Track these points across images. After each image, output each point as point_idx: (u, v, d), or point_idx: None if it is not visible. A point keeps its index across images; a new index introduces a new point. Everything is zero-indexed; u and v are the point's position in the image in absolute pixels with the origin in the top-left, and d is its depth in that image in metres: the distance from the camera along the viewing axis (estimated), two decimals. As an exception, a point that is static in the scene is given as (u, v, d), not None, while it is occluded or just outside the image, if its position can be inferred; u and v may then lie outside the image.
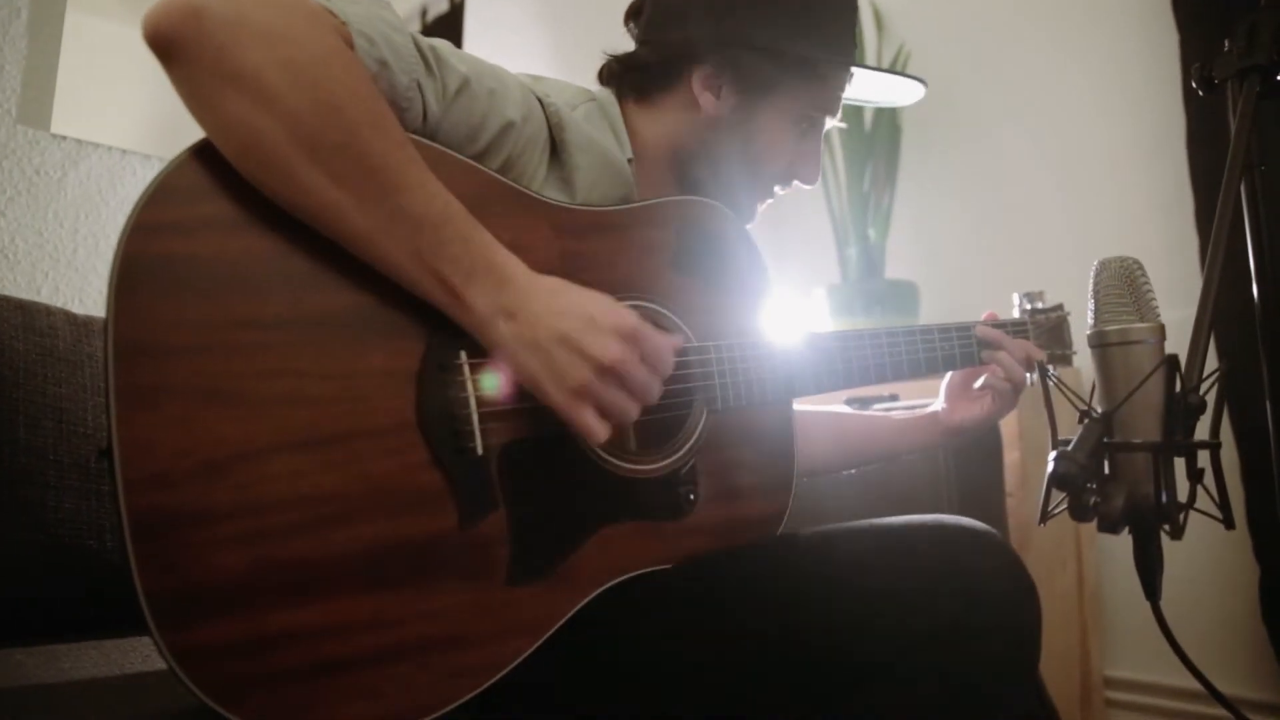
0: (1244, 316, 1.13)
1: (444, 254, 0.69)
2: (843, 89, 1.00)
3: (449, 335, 0.74)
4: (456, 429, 0.73)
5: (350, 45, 0.71)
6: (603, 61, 1.02)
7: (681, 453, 0.86)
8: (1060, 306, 1.17)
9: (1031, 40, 2.20)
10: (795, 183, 1.01)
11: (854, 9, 1.01)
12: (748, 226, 0.99)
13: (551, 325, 0.71)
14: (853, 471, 1.20)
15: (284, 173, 0.66)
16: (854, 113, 2.19)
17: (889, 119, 2.19)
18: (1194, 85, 1.11)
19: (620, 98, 0.99)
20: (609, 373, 0.71)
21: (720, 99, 0.95)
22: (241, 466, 0.66)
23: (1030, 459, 1.77)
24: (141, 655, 0.94)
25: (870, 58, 2.36)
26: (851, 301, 2.03)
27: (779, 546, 0.86)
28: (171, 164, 0.68)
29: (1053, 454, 0.71)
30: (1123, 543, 2.06)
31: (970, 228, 2.25)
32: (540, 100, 0.87)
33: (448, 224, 0.70)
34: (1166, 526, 0.73)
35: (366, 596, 0.69)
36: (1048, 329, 1.13)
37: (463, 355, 0.74)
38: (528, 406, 0.76)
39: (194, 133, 0.69)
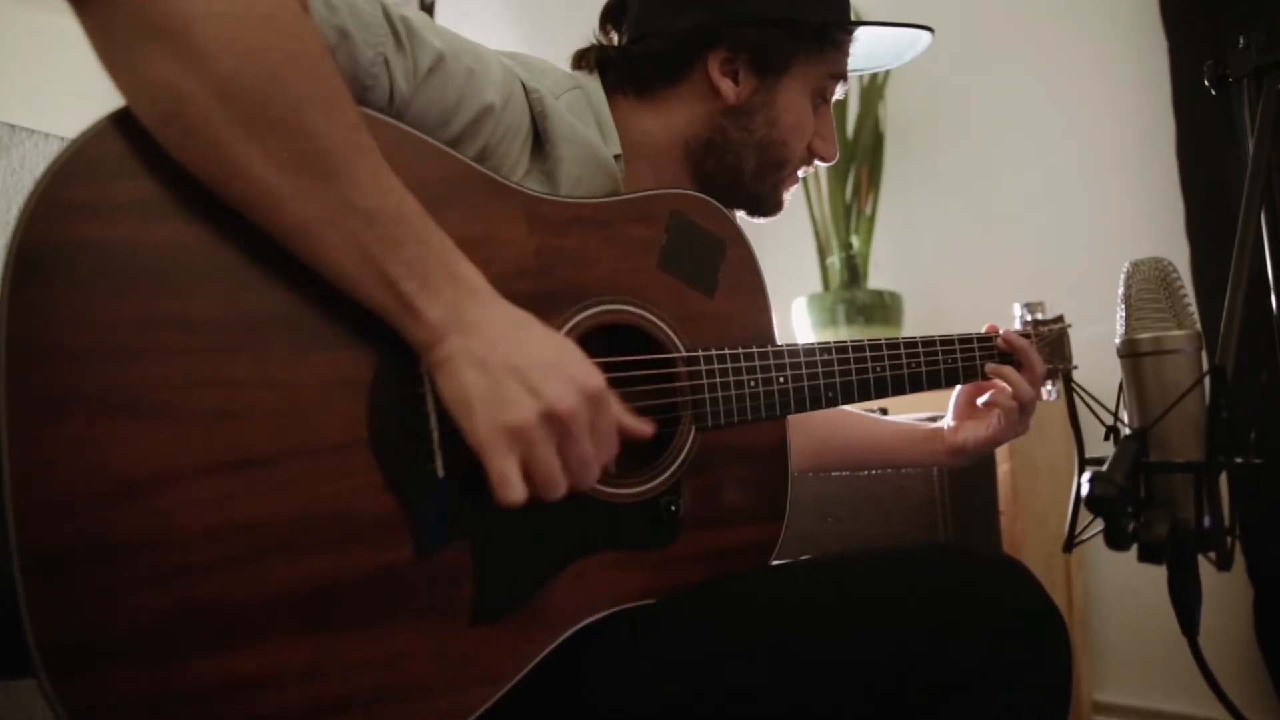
0: (1252, 326, 1.07)
1: (397, 255, 0.59)
2: (847, 56, 0.95)
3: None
4: (415, 447, 0.64)
5: (305, 9, 0.62)
6: (584, 48, 0.94)
7: (667, 475, 0.78)
8: (1061, 318, 1.10)
9: (1018, 45, 2.15)
10: (816, 162, 0.97)
11: None
12: (775, 216, 0.96)
13: (510, 353, 0.61)
14: (844, 472, 1.13)
15: (211, 147, 0.56)
16: (837, 117, 2.13)
17: (872, 125, 2.13)
18: (1206, 83, 1.05)
19: (612, 91, 0.91)
20: (553, 422, 0.60)
21: (740, 84, 0.89)
22: (160, 491, 0.57)
23: (1021, 474, 1.71)
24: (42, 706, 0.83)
25: (852, 62, 2.30)
26: (833, 312, 1.95)
27: (776, 577, 0.78)
28: (86, 133, 0.58)
29: (1086, 474, 0.64)
30: (1111, 565, 1.99)
31: (956, 236, 2.20)
32: (524, 85, 0.79)
33: (402, 223, 0.60)
34: (1212, 554, 0.66)
35: (307, 641, 0.60)
36: (1050, 342, 1.06)
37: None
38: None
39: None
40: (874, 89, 2.17)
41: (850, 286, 2.01)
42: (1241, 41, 1.00)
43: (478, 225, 0.68)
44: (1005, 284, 2.09)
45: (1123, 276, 0.74)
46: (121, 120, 0.58)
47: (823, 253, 2.10)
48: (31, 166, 1.33)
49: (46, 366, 0.55)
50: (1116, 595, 1.91)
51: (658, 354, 0.79)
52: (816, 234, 2.11)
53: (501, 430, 0.59)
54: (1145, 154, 1.93)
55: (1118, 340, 0.73)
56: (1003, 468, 1.61)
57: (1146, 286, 0.72)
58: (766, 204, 0.93)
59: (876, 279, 2.12)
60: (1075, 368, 1.08)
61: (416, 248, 0.60)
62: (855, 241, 2.05)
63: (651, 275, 0.78)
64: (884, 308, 1.96)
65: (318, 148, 0.58)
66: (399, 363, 0.64)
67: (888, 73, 2.25)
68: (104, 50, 0.56)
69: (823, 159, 0.95)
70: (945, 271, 2.19)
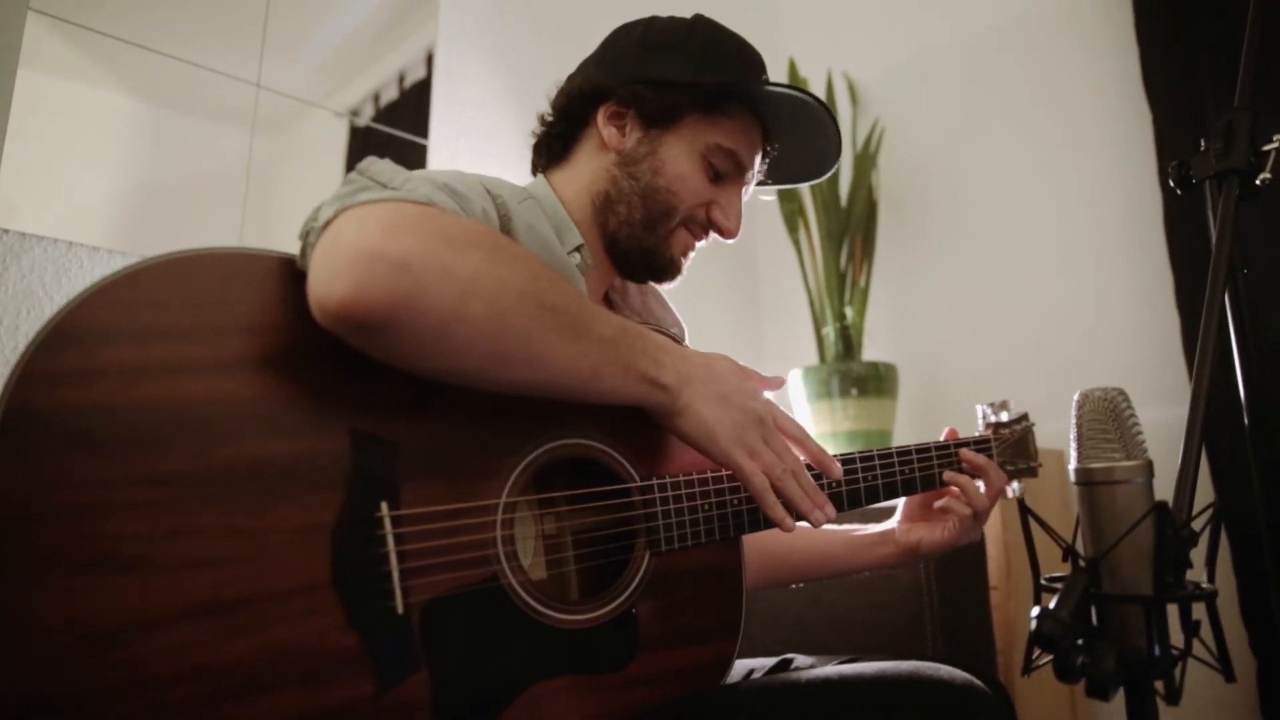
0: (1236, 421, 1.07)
1: (636, 355, 0.75)
2: (749, 138, 0.98)
3: (368, 485, 0.68)
4: (374, 586, 0.66)
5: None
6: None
7: (621, 599, 0.80)
8: (1025, 417, 1.11)
9: (1008, 118, 2.19)
10: (714, 235, 0.99)
11: (754, 61, 1.00)
12: (673, 283, 1.00)
13: (719, 387, 0.80)
14: (800, 585, 1.14)
15: (530, 346, 0.69)
16: (830, 186, 2.17)
17: (865, 194, 2.17)
18: (1171, 184, 1.08)
19: (548, 177, 0.99)
20: (760, 425, 0.81)
21: (625, 134, 0.96)
22: (134, 639, 0.59)
23: (1014, 548, 1.71)
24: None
25: (845, 133, 2.34)
26: (828, 384, 1.97)
27: (720, 702, 0.79)
28: (71, 304, 0.62)
29: (1035, 610, 0.65)
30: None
31: (950, 307, 2.22)
32: (489, 191, 0.87)
33: (625, 331, 0.76)
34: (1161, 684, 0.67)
35: (273, 778, 0.62)
36: (1012, 443, 1.07)
37: (383, 506, 0.68)
38: (455, 559, 0.70)
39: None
40: (866, 157, 2.21)
41: (845, 358, 2.03)
42: (1203, 145, 1.03)
43: None
44: (1000, 354, 2.10)
45: (1074, 406, 0.76)
46: (106, 289, 0.62)
47: (818, 324, 2.12)
48: (41, 272, 1.37)
49: (24, 526, 0.57)
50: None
51: (614, 484, 0.81)
52: (811, 305, 2.14)
53: (738, 441, 0.79)
54: (1135, 226, 1.95)
55: (1071, 469, 0.75)
56: (993, 545, 1.61)
57: (1096, 418, 0.73)
58: (659, 258, 0.96)
59: (872, 350, 2.14)
60: (1040, 465, 1.09)
61: (640, 343, 0.77)
62: (849, 313, 2.07)
63: (610, 410, 0.80)
64: (879, 379, 1.97)
65: (578, 310, 0.73)
66: (359, 507, 0.67)
67: (880, 140, 2.29)
68: (427, 341, 0.65)
69: (721, 231, 0.98)
70: (940, 342, 2.20)
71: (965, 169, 2.23)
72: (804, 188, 2.22)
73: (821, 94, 2.33)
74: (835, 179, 2.19)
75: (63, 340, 0.61)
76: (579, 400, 0.75)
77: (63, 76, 1.44)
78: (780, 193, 2.20)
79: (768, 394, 0.85)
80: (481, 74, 2.05)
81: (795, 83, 2.31)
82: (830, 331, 2.06)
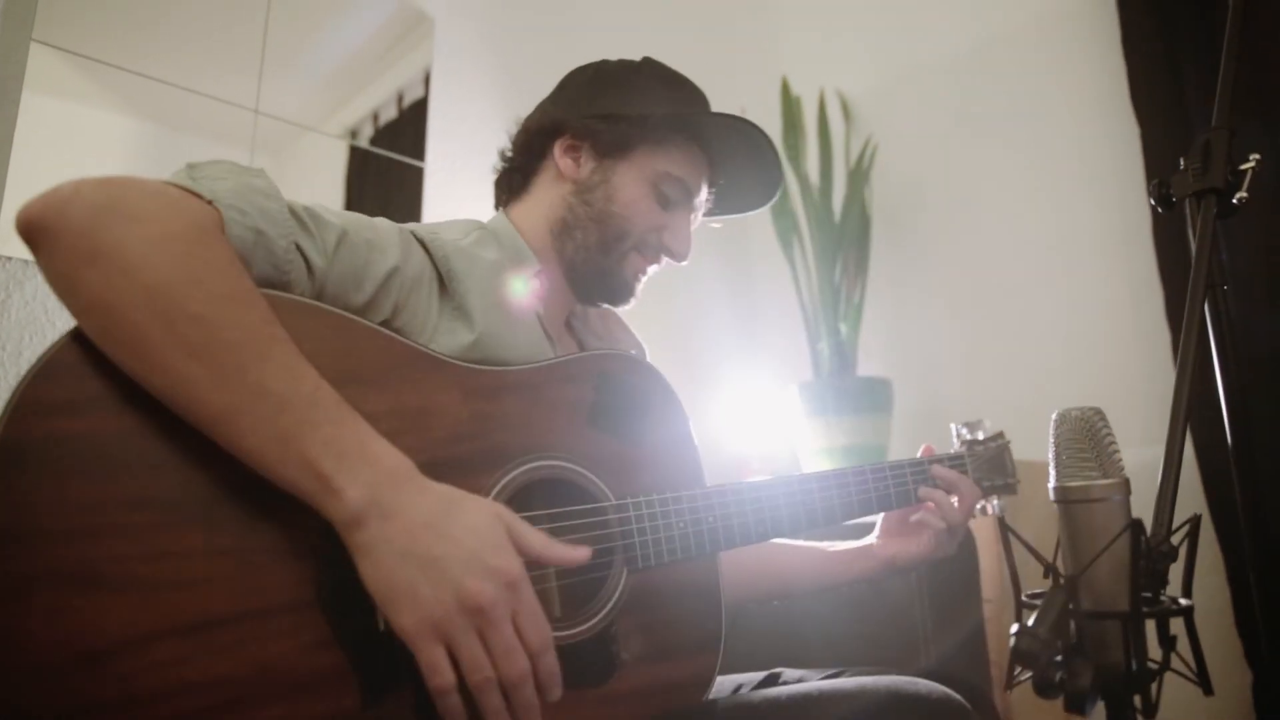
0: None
1: (313, 437, 0.63)
2: (696, 167, 1.03)
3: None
4: (358, 604, 0.68)
5: (220, 224, 0.70)
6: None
7: (600, 616, 0.81)
8: (1000, 435, 1.13)
9: (999, 133, 2.21)
10: (666, 259, 1.04)
11: (698, 96, 1.07)
12: (627, 306, 1.03)
13: (431, 543, 0.63)
14: (776, 603, 1.15)
15: (140, 347, 0.62)
16: (823, 205, 2.18)
17: (858, 210, 2.19)
18: (1152, 202, 1.09)
19: (508, 211, 1.04)
20: (473, 614, 0.63)
21: (580, 164, 1.01)
22: (123, 656, 0.61)
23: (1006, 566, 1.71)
24: None
25: (838, 149, 2.36)
26: (823, 399, 1.98)
27: (700, 718, 0.80)
28: (63, 339, 0.65)
29: (1014, 627, 0.66)
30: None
31: (943, 322, 2.23)
32: (421, 241, 0.88)
33: (316, 406, 0.64)
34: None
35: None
36: (987, 459, 1.09)
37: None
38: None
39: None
40: (859, 173, 2.23)
41: (840, 374, 2.04)
42: (1181, 164, 1.04)
43: (416, 396, 0.74)
44: (994, 368, 2.11)
45: (1052, 426, 0.77)
46: None
47: (812, 339, 2.13)
48: (44, 299, 1.38)
49: (18, 548, 0.59)
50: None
51: (588, 504, 0.83)
52: (805, 320, 2.15)
53: (424, 622, 0.62)
54: (1125, 238, 1.96)
55: (1050, 487, 0.76)
56: (987, 558, 1.61)
57: (1073, 436, 0.74)
58: (614, 280, 1.00)
59: (866, 365, 2.15)
60: (1018, 481, 1.10)
61: (332, 429, 0.64)
62: (844, 328, 2.08)
63: (581, 431, 0.83)
64: (873, 395, 1.98)
65: (233, 338, 0.64)
66: None
67: (872, 157, 2.31)
68: (54, 282, 0.65)
69: (672, 254, 1.03)
70: (934, 357, 2.22)
71: (958, 184, 2.25)
72: (798, 204, 2.24)
73: (814, 111, 2.35)
74: (828, 195, 2.20)
75: (56, 371, 0.63)
76: (229, 448, 0.64)
77: (63, 98, 1.46)
78: (774, 209, 2.21)
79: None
80: (478, 91, 2.07)
81: (788, 101, 2.33)
82: (825, 347, 2.07)
